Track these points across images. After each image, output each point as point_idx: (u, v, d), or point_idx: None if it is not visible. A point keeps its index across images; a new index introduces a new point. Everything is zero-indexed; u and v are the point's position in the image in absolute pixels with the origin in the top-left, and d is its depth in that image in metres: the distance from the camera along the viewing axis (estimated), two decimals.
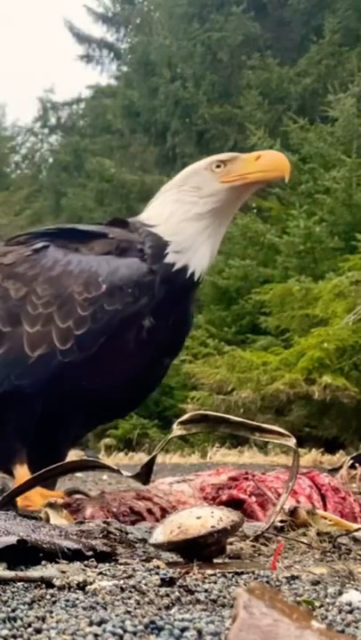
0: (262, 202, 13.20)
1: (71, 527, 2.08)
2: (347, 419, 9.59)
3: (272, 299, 11.08)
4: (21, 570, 1.67)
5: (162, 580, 1.57)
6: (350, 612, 1.40)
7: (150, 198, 3.00)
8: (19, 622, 1.31)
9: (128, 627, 1.25)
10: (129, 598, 1.45)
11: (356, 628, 1.31)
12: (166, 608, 1.42)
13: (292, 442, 2.20)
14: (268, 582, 1.64)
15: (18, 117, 38.07)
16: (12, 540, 1.72)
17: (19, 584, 1.57)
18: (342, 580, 1.70)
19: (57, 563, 1.73)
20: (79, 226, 3.00)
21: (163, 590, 1.50)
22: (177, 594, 1.49)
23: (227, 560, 1.91)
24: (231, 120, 17.13)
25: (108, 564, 1.78)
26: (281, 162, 2.90)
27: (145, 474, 2.41)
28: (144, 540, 2.06)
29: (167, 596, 1.47)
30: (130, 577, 1.61)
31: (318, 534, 2.17)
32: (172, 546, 1.86)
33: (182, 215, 2.82)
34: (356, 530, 2.25)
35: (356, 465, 4.59)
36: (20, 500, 2.45)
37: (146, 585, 1.54)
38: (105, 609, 1.38)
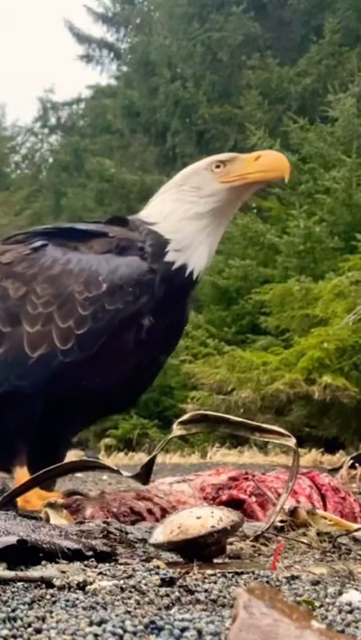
0: (262, 202, 13.20)
1: (71, 527, 2.08)
2: (347, 419, 9.58)
3: (272, 299, 11.08)
4: (21, 570, 1.67)
5: (162, 579, 1.57)
6: (350, 612, 1.40)
7: (150, 198, 3.00)
8: (19, 622, 1.31)
9: (128, 627, 1.25)
10: (129, 598, 1.45)
11: (357, 627, 1.31)
12: (166, 608, 1.42)
13: (292, 442, 2.20)
14: (268, 582, 1.64)
15: (18, 117, 38.02)
16: (12, 540, 1.72)
17: (19, 584, 1.57)
18: (342, 580, 1.70)
19: (57, 563, 1.73)
20: (78, 225, 3.00)
21: (163, 590, 1.50)
22: (177, 594, 1.49)
23: (227, 560, 1.91)
24: (231, 120, 17.13)
25: (108, 564, 1.78)
26: (281, 162, 2.90)
27: (145, 474, 2.41)
28: (144, 540, 2.06)
29: (167, 595, 1.47)
30: (130, 577, 1.61)
31: (318, 534, 2.17)
32: (172, 546, 1.86)
33: (182, 214, 2.83)
34: (357, 530, 2.25)
35: (357, 465, 4.59)
36: (19, 501, 2.45)
37: (146, 585, 1.54)
38: (105, 609, 1.38)
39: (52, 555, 1.76)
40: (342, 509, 2.65)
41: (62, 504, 2.31)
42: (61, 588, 1.54)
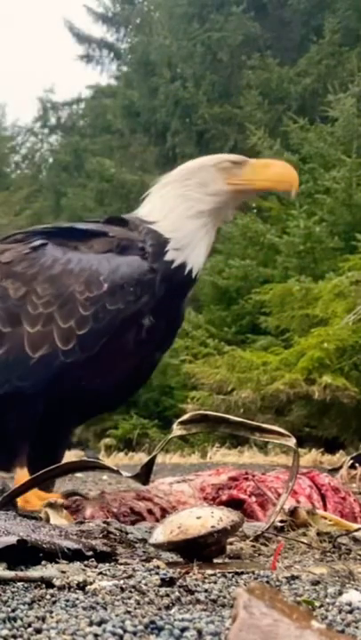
0: (262, 202, 13.19)
1: (71, 527, 2.08)
2: (347, 419, 9.58)
3: (272, 299, 11.08)
4: (21, 570, 1.67)
5: (162, 580, 1.57)
6: (350, 612, 1.40)
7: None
8: (19, 622, 1.31)
9: (128, 627, 1.25)
10: (129, 598, 1.45)
11: (357, 627, 1.31)
12: (166, 608, 1.42)
13: (292, 442, 2.20)
14: (268, 582, 1.64)
15: (18, 117, 37.99)
16: (12, 540, 1.72)
17: (19, 584, 1.57)
18: (342, 580, 1.70)
19: (57, 563, 1.73)
20: (78, 224, 2.99)
21: (163, 590, 1.50)
22: (177, 594, 1.49)
23: (227, 560, 1.91)
24: (231, 120, 17.12)
25: (108, 564, 1.78)
26: (290, 175, 2.91)
27: (145, 474, 2.41)
28: (144, 540, 2.06)
29: (167, 595, 1.47)
30: (130, 577, 1.62)
31: (318, 534, 2.17)
32: (172, 546, 1.86)
33: (184, 212, 2.82)
34: (357, 530, 2.25)
35: (357, 465, 4.59)
36: (19, 501, 2.45)
37: (146, 585, 1.54)
38: (105, 609, 1.38)
39: (52, 555, 1.76)
40: (342, 509, 2.65)
41: (62, 504, 2.31)
42: (61, 588, 1.54)
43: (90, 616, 1.31)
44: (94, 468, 2.90)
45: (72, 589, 1.53)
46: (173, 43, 18.47)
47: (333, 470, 4.95)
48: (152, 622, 1.27)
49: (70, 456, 5.04)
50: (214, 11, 18.36)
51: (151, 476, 2.47)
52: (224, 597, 1.49)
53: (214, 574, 1.69)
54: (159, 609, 1.41)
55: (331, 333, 9.40)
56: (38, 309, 2.68)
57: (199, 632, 1.23)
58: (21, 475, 2.62)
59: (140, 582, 1.55)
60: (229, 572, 1.71)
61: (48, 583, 1.57)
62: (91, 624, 1.27)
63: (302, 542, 2.12)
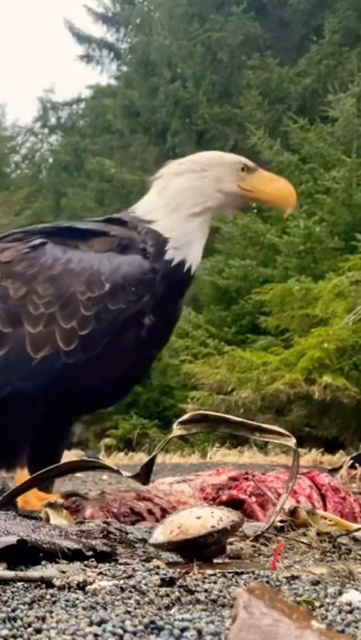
0: None
1: (71, 527, 2.08)
2: (347, 419, 9.58)
3: (272, 299, 11.08)
4: (21, 570, 1.67)
5: (162, 580, 1.57)
6: (350, 612, 1.40)
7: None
8: (19, 622, 1.31)
9: (128, 627, 1.25)
10: (129, 598, 1.45)
11: (357, 627, 1.31)
12: (166, 608, 1.42)
13: (292, 442, 2.21)
14: (268, 582, 1.64)
15: (18, 117, 37.99)
16: (12, 540, 1.72)
17: (19, 584, 1.57)
18: (342, 580, 1.70)
19: (57, 563, 1.73)
20: (77, 223, 2.98)
21: (163, 590, 1.50)
22: (177, 594, 1.49)
23: (227, 560, 1.91)
24: (231, 120, 17.12)
25: (108, 564, 1.78)
26: (290, 197, 2.95)
27: (145, 474, 2.41)
28: (144, 540, 2.06)
29: (167, 595, 1.48)
30: (130, 577, 1.62)
31: (318, 534, 2.17)
32: (172, 546, 1.86)
33: (189, 208, 2.82)
34: (357, 530, 2.25)
35: (357, 465, 4.59)
36: (19, 501, 2.45)
37: (146, 585, 1.54)
38: (105, 609, 1.38)
39: (52, 555, 1.76)
40: (342, 509, 2.66)
41: (62, 504, 2.31)
42: (61, 588, 1.54)
43: (90, 616, 1.31)
44: (94, 468, 2.90)
45: (72, 589, 1.53)
46: (173, 43, 18.46)
47: (333, 470, 4.94)
48: (152, 622, 1.27)
49: (70, 456, 5.05)
50: (214, 11, 18.36)
51: (151, 476, 2.47)
52: (224, 597, 1.49)
53: (214, 574, 1.69)
54: (159, 609, 1.41)
55: (331, 333, 9.40)
56: (39, 310, 2.67)
57: (199, 632, 1.23)
58: (21, 475, 2.62)
59: (140, 582, 1.55)
60: (229, 572, 1.72)
61: (48, 583, 1.57)
62: (91, 624, 1.27)
63: (302, 542, 2.12)
